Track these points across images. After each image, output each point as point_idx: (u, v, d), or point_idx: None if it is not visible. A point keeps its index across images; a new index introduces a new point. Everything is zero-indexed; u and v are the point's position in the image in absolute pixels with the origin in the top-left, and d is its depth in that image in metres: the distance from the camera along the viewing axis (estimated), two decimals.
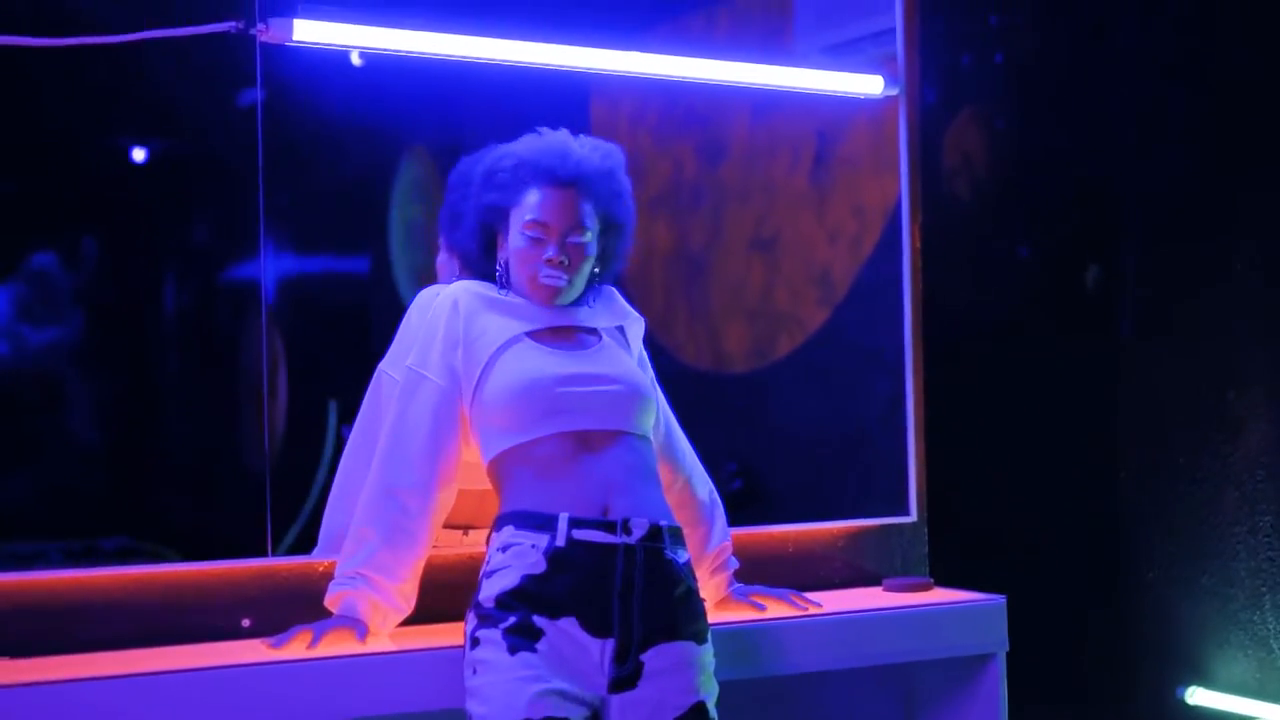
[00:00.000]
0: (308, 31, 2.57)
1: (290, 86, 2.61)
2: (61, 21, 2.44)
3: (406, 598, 2.38)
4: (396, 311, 2.57)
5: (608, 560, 2.21)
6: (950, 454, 3.28)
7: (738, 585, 2.66)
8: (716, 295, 3.08)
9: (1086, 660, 3.58)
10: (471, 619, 2.22)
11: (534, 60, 2.79)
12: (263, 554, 2.55)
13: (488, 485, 2.37)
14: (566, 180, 2.38)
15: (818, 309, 3.17)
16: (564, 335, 2.41)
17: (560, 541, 2.20)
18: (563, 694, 2.15)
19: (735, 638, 2.51)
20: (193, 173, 2.61)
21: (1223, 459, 3.42)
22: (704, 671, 2.25)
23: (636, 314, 2.54)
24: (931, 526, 3.22)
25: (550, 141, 2.43)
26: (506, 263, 2.43)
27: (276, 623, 2.42)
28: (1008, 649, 2.87)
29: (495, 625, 2.17)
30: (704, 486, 2.62)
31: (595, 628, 2.18)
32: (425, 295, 2.52)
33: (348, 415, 2.58)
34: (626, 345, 2.49)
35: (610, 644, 2.18)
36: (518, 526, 2.23)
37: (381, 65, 2.69)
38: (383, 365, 2.53)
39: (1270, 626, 3.33)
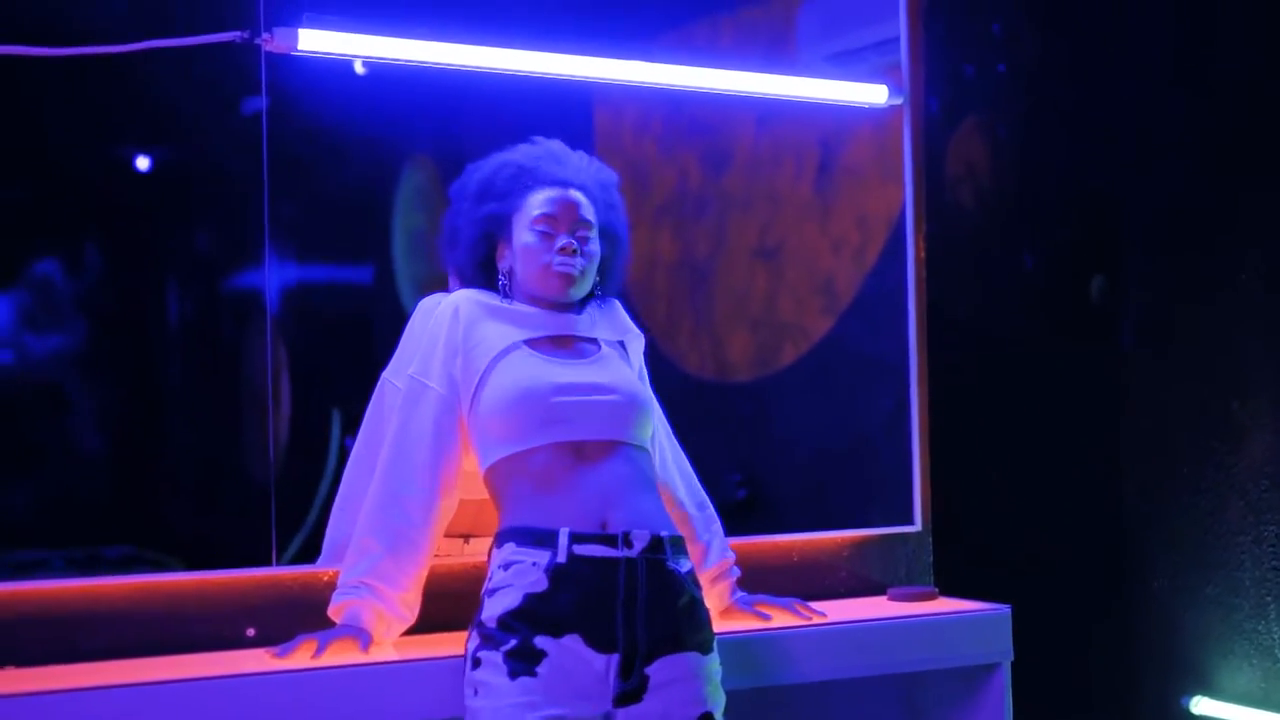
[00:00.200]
0: (313, 41, 2.58)
1: (294, 96, 2.61)
2: (67, 31, 2.45)
3: (410, 607, 2.38)
4: (400, 320, 2.57)
5: (610, 574, 2.20)
6: (955, 463, 3.28)
7: (741, 594, 2.66)
8: (720, 304, 3.08)
9: (1092, 670, 3.58)
10: (474, 637, 2.21)
11: (538, 70, 2.80)
12: (267, 563, 2.55)
13: (487, 495, 2.37)
14: (568, 181, 2.43)
15: (822, 318, 3.17)
16: (563, 344, 2.41)
17: (561, 558, 2.19)
18: None
19: (739, 647, 2.51)
20: (197, 181, 2.61)
21: (1227, 469, 3.41)
22: (710, 682, 2.25)
23: (637, 330, 2.54)
24: (936, 536, 3.21)
25: (548, 148, 2.49)
26: (510, 270, 2.44)
27: (281, 632, 2.42)
28: (1013, 659, 2.87)
29: (497, 648, 2.16)
30: (702, 506, 2.62)
31: (600, 643, 2.17)
32: (427, 303, 2.52)
33: (351, 424, 2.58)
34: (627, 358, 2.49)
35: (615, 659, 2.18)
36: (519, 544, 2.22)
37: (385, 75, 2.70)
38: (386, 374, 2.53)
39: (1275, 636, 3.32)
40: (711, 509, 2.64)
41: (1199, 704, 3.46)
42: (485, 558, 2.31)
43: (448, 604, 2.54)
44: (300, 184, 2.64)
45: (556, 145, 2.50)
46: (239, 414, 2.61)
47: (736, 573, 2.66)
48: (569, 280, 2.40)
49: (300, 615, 2.48)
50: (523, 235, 2.41)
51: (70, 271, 2.47)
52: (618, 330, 2.51)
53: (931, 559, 3.20)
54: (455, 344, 2.37)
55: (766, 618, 2.64)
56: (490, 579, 2.24)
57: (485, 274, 2.48)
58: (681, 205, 3.04)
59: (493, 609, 2.20)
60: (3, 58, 2.39)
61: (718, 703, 2.26)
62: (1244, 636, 3.38)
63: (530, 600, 2.18)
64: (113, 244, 2.52)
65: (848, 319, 3.18)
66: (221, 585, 2.52)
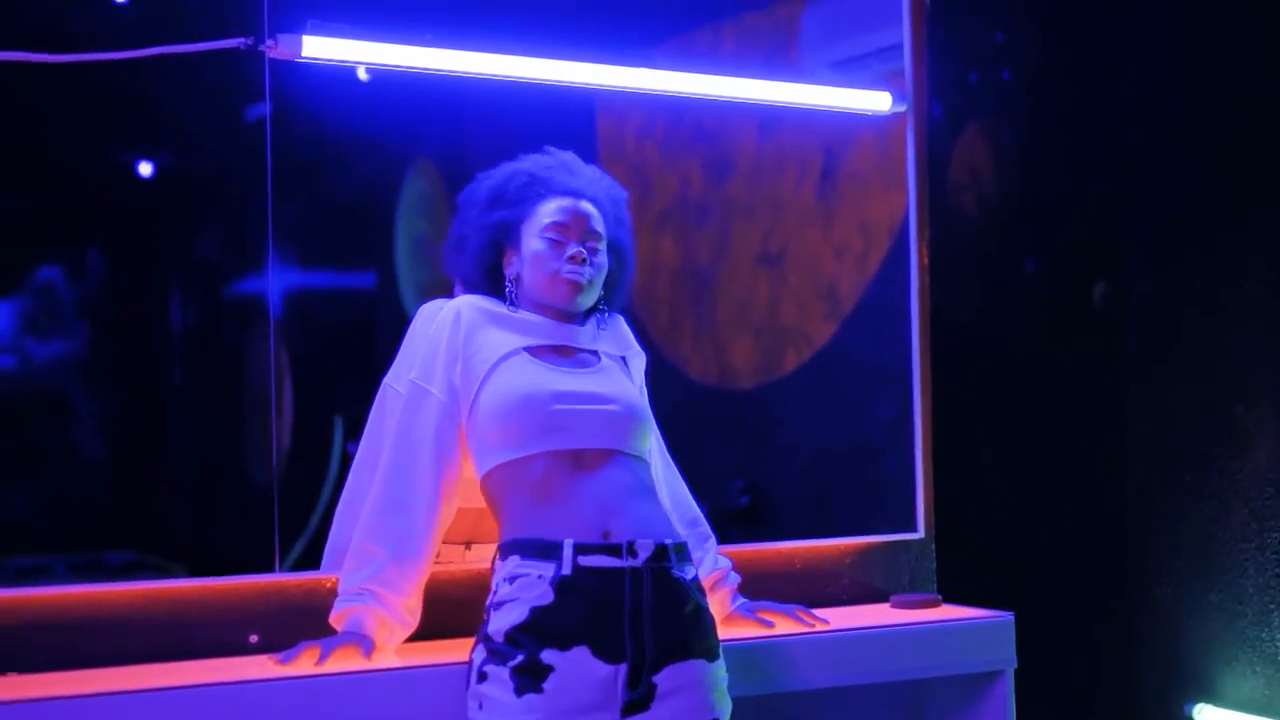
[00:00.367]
0: (317, 48, 2.57)
1: (298, 102, 2.61)
2: (72, 37, 2.45)
3: (412, 613, 2.38)
4: (402, 326, 2.57)
5: (615, 585, 2.20)
6: (958, 470, 3.28)
7: (743, 601, 2.65)
8: (723, 310, 3.08)
9: (1095, 677, 3.57)
10: (480, 650, 2.21)
11: (540, 76, 2.80)
12: (270, 569, 2.55)
13: (484, 503, 2.37)
14: (580, 193, 2.44)
15: (825, 324, 3.17)
16: (564, 354, 2.41)
17: (567, 570, 2.19)
18: None
19: (742, 654, 2.51)
20: (201, 187, 2.61)
21: (1231, 475, 3.41)
22: (717, 688, 2.25)
23: (639, 348, 2.55)
24: (939, 543, 3.21)
25: (561, 159, 2.49)
26: (517, 277, 2.44)
27: (284, 638, 2.42)
28: (1016, 666, 2.87)
29: (503, 663, 2.16)
30: (694, 523, 2.61)
31: (607, 654, 2.17)
32: (429, 308, 2.52)
33: (353, 430, 2.58)
34: (628, 373, 2.48)
35: (623, 669, 2.17)
36: (523, 556, 2.22)
37: (389, 81, 2.70)
38: (387, 379, 2.53)
39: (1279, 643, 3.32)
40: (705, 525, 2.63)
41: (1202, 711, 3.45)
42: (487, 565, 2.31)
43: (450, 611, 2.54)
44: (303, 190, 2.64)
45: (569, 157, 2.51)
46: (241, 419, 2.61)
47: (736, 579, 2.66)
48: (577, 288, 2.40)
49: (303, 621, 2.47)
50: (532, 242, 2.41)
51: (73, 277, 2.47)
52: (620, 345, 2.51)
53: (935, 566, 3.20)
54: (456, 350, 2.37)
55: (769, 625, 2.63)
56: (495, 592, 2.24)
57: (491, 280, 2.48)
58: (684, 211, 3.04)
59: (499, 623, 2.19)
60: (7, 63, 2.39)
61: (725, 709, 2.26)
62: (1247, 644, 3.38)
63: (536, 614, 2.17)
64: (116, 249, 2.53)
65: (850, 325, 3.18)
66: (224, 591, 2.51)
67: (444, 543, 2.59)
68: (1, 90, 2.41)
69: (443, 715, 2.31)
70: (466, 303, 2.43)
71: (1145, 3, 3.61)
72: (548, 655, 2.15)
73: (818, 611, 2.75)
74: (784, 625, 2.66)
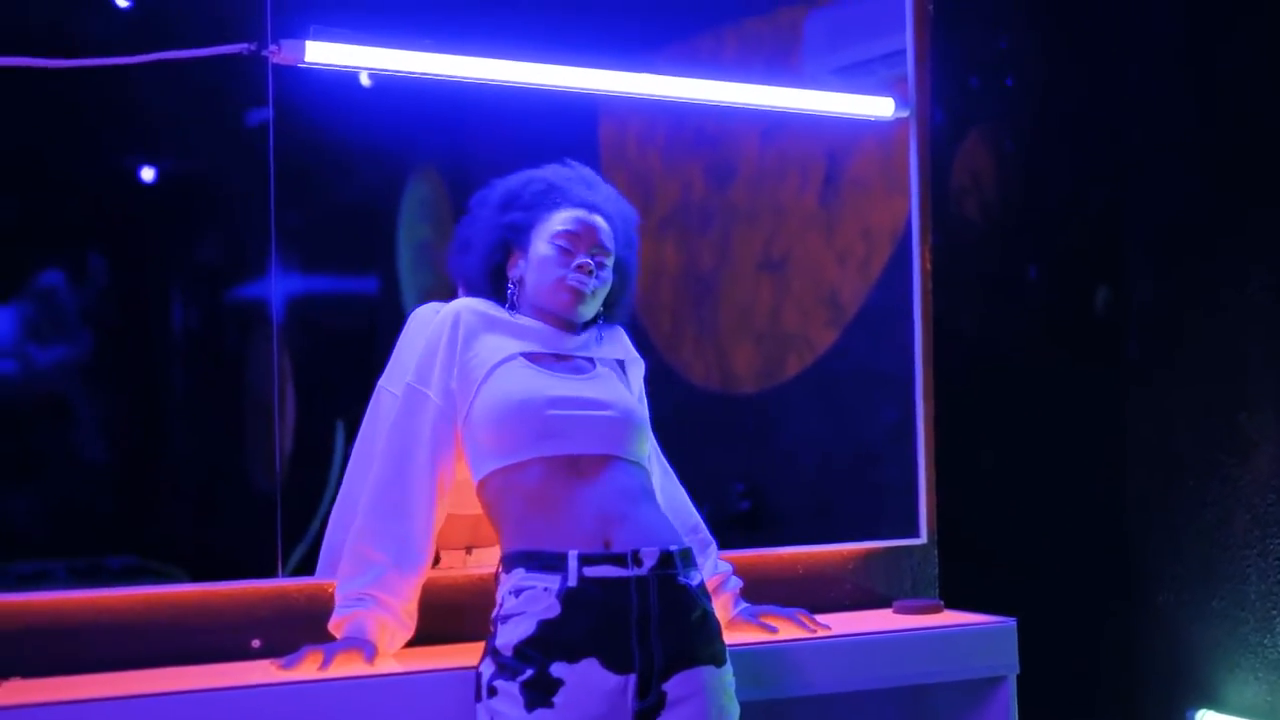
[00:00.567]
0: (319, 53, 2.58)
1: (301, 107, 2.62)
2: (74, 43, 2.45)
3: (411, 616, 2.38)
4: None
5: (622, 595, 2.20)
6: (960, 476, 3.27)
7: (745, 606, 2.65)
8: (725, 316, 3.08)
9: (1097, 683, 3.57)
10: (489, 664, 2.20)
11: (542, 82, 2.80)
12: (272, 574, 2.55)
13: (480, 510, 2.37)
14: (595, 207, 2.45)
15: (827, 330, 3.17)
16: (560, 360, 2.41)
17: (572, 581, 2.19)
18: None
19: (745, 659, 2.50)
20: (203, 192, 2.61)
21: (1233, 481, 3.41)
22: (725, 693, 2.26)
23: (638, 356, 2.55)
24: (942, 548, 3.21)
25: (580, 172, 2.51)
26: (520, 280, 2.44)
27: (286, 644, 2.41)
28: (1018, 671, 2.87)
29: (513, 678, 2.16)
30: (695, 530, 2.61)
31: (616, 664, 2.17)
32: (424, 312, 2.52)
33: (355, 435, 2.58)
34: (625, 379, 2.48)
35: (632, 678, 2.17)
36: (528, 569, 2.22)
37: (391, 87, 2.70)
38: (382, 382, 2.53)
39: None
40: (705, 531, 2.63)
41: (1204, 717, 3.45)
42: (489, 571, 2.31)
43: (453, 616, 2.54)
44: (306, 195, 2.64)
45: (588, 172, 2.53)
46: (243, 424, 2.61)
47: (738, 584, 2.66)
48: (579, 297, 2.40)
49: (305, 626, 2.47)
50: (541, 247, 2.42)
51: (76, 282, 2.47)
52: (618, 351, 2.51)
53: (937, 571, 3.20)
54: (454, 354, 2.37)
55: (773, 629, 2.63)
56: (501, 605, 2.23)
57: (493, 282, 2.48)
58: (686, 217, 3.04)
59: (507, 637, 2.19)
60: (10, 69, 2.39)
61: (733, 714, 2.27)
62: (1249, 650, 3.37)
63: (544, 627, 2.17)
64: (118, 254, 2.52)
65: (853, 331, 3.18)
66: (226, 596, 2.51)
67: (444, 548, 2.60)
68: (4, 95, 2.41)
69: None
70: (464, 306, 2.42)
71: (1148, 9, 3.61)
72: (557, 669, 2.14)
73: (820, 617, 2.75)
74: (786, 630, 2.66)
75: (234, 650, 2.50)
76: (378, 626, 2.34)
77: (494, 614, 2.24)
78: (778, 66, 3.15)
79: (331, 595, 2.42)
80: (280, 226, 2.59)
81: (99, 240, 2.51)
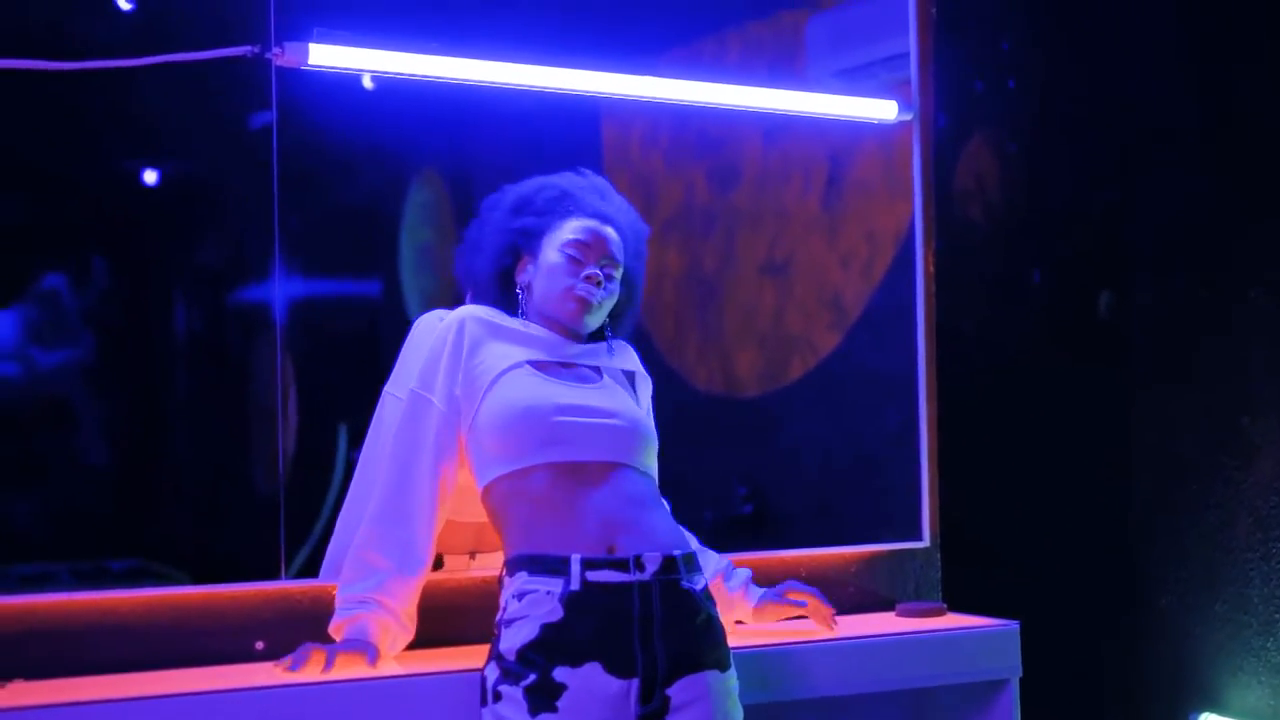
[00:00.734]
0: (323, 56, 2.58)
1: (304, 110, 2.62)
2: (77, 45, 2.45)
3: (412, 620, 2.39)
4: (407, 335, 2.57)
5: (624, 600, 2.20)
6: (963, 478, 3.27)
7: (765, 589, 2.65)
8: (728, 319, 3.08)
9: (1100, 686, 3.57)
10: (494, 669, 2.20)
11: (545, 84, 2.80)
12: (275, 577, 2.55)
13: (485, 518, 2.37)
14: (607, 218, 2.46)
15: (830, 333, 3.17)
16: (567, 368, 2.41)
17: (575, 585, 2.19)
18: None
19: (748, 662, 2.50)
20: (206, 195, 2.61)
21: (1236, 485, 3.40)
22: (729, 697, 2.26)
23: (646, 373, 2.55)
24: (945, 551, 3.21)
25: (593, 182, 2.52)
26: (528, 286, 2.44)
27: (289, 646, 2.41)
28: (1021, 674, 2.87)
29: (517, 683, 2.16)
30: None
31: (619, 669, 2.17)
32: (429, 319, 2.52)
33: (358, 438, 2.58)
34: (633, 392, 2.48)
35: (635, 683, 2.17)
36: (531, 573, 2.22)
37: (394, 89, 2.70)
38: (387, 388, 2.53)
39: None
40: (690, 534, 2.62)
41: None
42: (493, 574, 2.31)
43: (457, 619, 2.55)
44: (309, 198, 2.64)
45: (601, 181, 2.54)
46: (247, 427, 2.61)
47: (746, 571, 2.66)
48: (586, 307, 2.40)
49: (308, 628, 2.47)
50: (551, 255, 2.42)
51: (78, 285, 2.47)
52: (626, 363, 2.51)
53: (940, 574, 3.20)
54: (458, 361, 2.37)
55: (803, 604, 2.65)
56: (505, 609, 2.23)
57: (501, 286, 2.48)
58: (689, 220, 3.05)
59: (510, 641, 2.19)
60: (13, 71, 2.40)
61: (737, 718, 2.27)
62: (1252, 654, 3.37)
63: (547, 630, 2.17)
64: (121, 258, 2.53)
65: (856, 334, 3.18)
66: (229, 599, 2.52)
67: (448, 553, 2.60)
68: (7, 98, 2.41)
69: None
70: (469, 314, 2.42)
71: (1151, 12, 3.61)
72: (560, 673, 2.14)
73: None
74: (813, 606, 2.67)
75: (237, 652, 2.50)
76: (380, 629, 2.34)
77: (498, 618, 2.24)
78: (780, 69, 3.15)
79: (334, 597, 2.42)
80: (283, 229, 2.59)
81: (101, 243, 2.51)
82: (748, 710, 2.35)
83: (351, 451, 2.61)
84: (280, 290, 2.59)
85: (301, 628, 2.49)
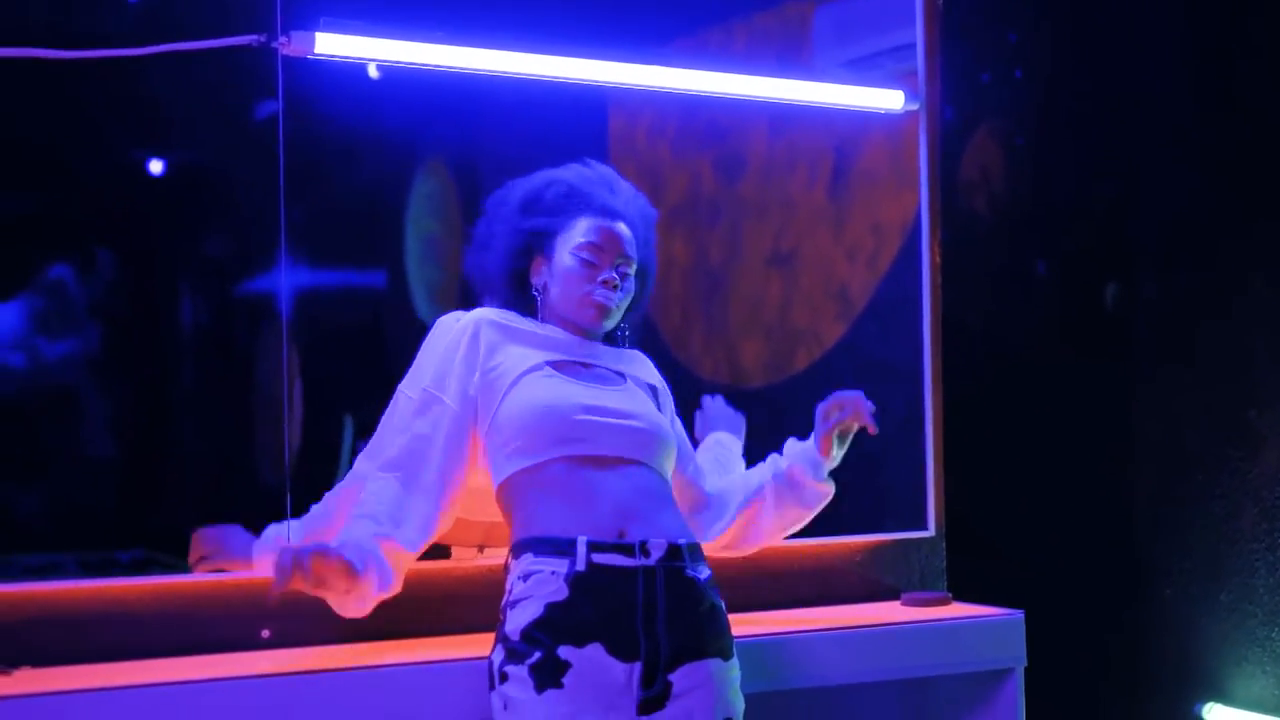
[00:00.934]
0: (329, 45, 2.58)
1: (310, 99, 2.61)
2: (83, 35, 2.45)
3: (397, 573, 2.23)
4: (412, 326, 2.57)
5: (629, 584, 2.20)
6: (968, 469, 3.27)
7: (809, 439, 2.60)
8: (734, 310, 3.08)
9: (1105, 676, 3.57)
10: (499, 651, 2.20)
11: (552, 74, 2.80)
12: None
13: (498, 517, 2.36)
14: (617, 213, 2.44)
15: (835, 324, 3.17)
16: (586, 369, 2.41)
17: (580, 566, 2.19)
18: None
19: (753, 650, 2.51)
20: (212, 185, 2.61)
21: (1242, 475, 3.41)
22: (731, 687, 2.26)
23: (665, 385, 2.54)
24: (950, 541, 3.21)
25: (600, 173, 2.49)
26: (544, 287, 2.44)
27: (296, 633, 2.42)
28: (1026, 664, 2.87)
29: (521, 661, 2.16)
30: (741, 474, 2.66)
31: (621, 652, 2.17)
32: (447, 319, 2.51)
33: (364, 429, 2.57)
34: (655, 401, 2.47)
35: (637, 667, 2.17)
36: (536, 554, 2.22)
37: (401, 79, 2.70)
38: (402, 386, 2.52)
39: None
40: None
41: (1212, 711, 3.45)
42: (500, 561, 2.31)
43: (467, 606, 2.55)
44: (315, 188, 2.64)
45: (608, 172, 2.51)
46: (252, 418, 2.61)
47: (779, 459, 2.63)
48: (605, 313, 2.40)
49: (314, 617, 2.47)
50: (565, 258, 2.41)
51: (84, 276, 2.48)
52: (649, 376, 2.51)
53: (945, 564, 3.20)
54: (474, 363, 2.35)
55: (844, 415, 2.57)
56: (510, 591, 2.23)
57: (515, 286, 2.47)
58: (695, 210, 3.04)
59: (515, 621, 2.19)
60: (18, 60, 2.40)
61: (738, 708, 2.27)
62: (1258, 644, 3.37)
63: (552, 609, 2.17)
64: (127, 248, 2.53)
65: (861, 325, 3.18)
66: (236, 587, 2.52)
67: (457, 546, 2.60)
68: (12, 87, 2.41)
69: (458, 711, 2.32)
70: (484, 317, 2.41)
71: (1158, 5, 3.61)
72: (564, 651, 2.15)
73: (828, 609, 2.76)
74: (850, 414, 2.58)
75: (244, 640, 2.50)
76: (364, 554, 2.17)
77: (503, 601, 2.24)
78: (787, 59, 3.15)
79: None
80: (289, 220, 2.58)
81: (107, 233, 2.51)
82: (755, 699, 2.35)
83: (358, 442, 2.61)
84: (286, 281, 2.59)
85: (308, 616, 2.49)
